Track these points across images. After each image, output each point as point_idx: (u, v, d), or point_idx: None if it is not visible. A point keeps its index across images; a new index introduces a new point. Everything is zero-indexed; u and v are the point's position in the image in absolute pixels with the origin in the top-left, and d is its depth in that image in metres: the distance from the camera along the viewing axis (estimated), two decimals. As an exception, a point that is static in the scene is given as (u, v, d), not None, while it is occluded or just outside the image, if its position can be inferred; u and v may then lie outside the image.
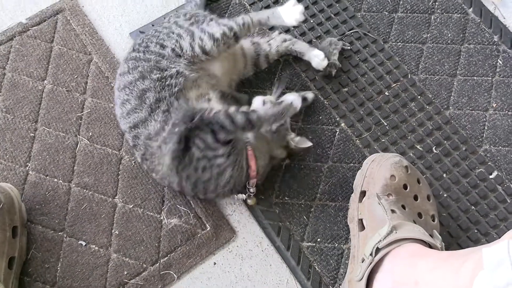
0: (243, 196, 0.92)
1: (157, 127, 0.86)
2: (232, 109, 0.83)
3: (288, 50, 1.05)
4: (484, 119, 1.03)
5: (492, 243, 0.65)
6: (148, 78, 0.87)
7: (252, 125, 0.82)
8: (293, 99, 0.95)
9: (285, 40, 1.05)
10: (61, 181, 0.97)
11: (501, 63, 1.08)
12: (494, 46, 1.09)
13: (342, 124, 1.02)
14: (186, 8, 1.09)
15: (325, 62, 1.02)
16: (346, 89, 1.05)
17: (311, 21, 1.11)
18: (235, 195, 0.93)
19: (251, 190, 0.91)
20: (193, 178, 0.85)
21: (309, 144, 0.95)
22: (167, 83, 0.87)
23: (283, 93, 0.96)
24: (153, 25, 1.09)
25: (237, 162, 0.85)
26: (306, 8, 1.11)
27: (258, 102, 0.91)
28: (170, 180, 0.88)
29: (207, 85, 0.90)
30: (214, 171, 0.84)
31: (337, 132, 1.01)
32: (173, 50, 0.90)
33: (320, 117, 1.02)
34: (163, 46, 0.91)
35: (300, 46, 1.05)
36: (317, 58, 1.02)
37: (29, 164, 0.98)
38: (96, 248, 0.92)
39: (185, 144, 0.83)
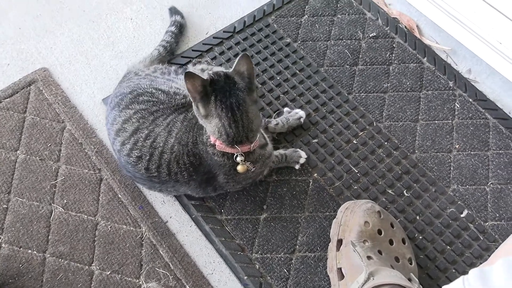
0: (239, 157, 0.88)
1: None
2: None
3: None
4: (449, 160, 1.08)
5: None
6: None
7: None
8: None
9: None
10: (35, 252, 0.95)
11: (458, 106, 1.14)
12: (451, 91, 1.16)
13: (315, 175, 1.05)
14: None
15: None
16: (316, 140, 1.09)
17: (278, 78, 1.16)
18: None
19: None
20: None
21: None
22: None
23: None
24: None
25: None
26: (272, 66, 1.17)
27: None
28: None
29: None
30: None
31: (311, 183, 1.04)
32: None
33: (293, 169, 1.05)
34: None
35: None
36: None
37: (1, 237, 0.96)
38: (73, 320, 0.89)
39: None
